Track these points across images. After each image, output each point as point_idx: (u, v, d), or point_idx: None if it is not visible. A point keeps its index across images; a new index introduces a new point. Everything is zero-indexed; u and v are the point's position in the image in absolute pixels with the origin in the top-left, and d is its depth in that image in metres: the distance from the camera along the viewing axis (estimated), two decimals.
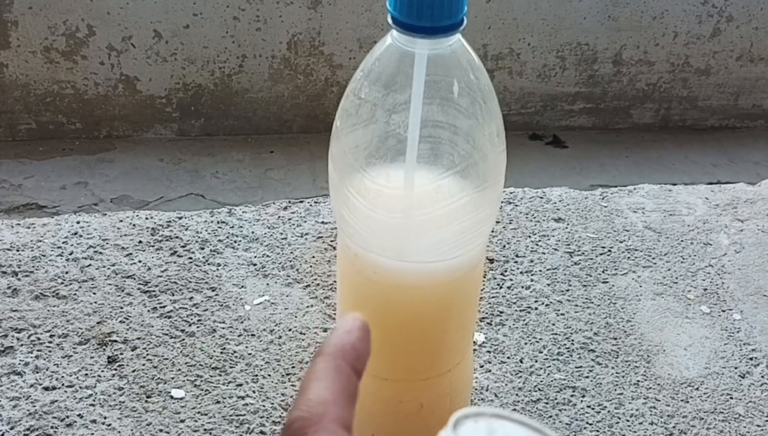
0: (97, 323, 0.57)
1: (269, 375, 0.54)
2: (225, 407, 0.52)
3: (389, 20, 0.32)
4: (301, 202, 0.71)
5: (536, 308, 0.61)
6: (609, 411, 0.54)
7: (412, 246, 0.36)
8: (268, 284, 0.62)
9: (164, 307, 0.59)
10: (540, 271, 0.65)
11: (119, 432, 0.50)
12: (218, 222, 0.68)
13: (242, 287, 0.61)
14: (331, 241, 0.67)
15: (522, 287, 0.63)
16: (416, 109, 0.32)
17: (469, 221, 0.36)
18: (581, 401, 0.54)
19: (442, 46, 0.33)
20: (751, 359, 0.58)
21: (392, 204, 0.35)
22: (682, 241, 0.69)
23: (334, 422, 0.22)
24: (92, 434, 0.50)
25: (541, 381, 0.55)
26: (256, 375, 0.54)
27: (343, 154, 0.35)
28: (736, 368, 0.57)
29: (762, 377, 0.57)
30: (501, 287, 0.63)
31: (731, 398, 0.55)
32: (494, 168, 0.36)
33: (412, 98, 0.32)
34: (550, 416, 0.53)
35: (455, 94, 0.34)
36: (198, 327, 0.58)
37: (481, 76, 0.34)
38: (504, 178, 0.37)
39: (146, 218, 0.67)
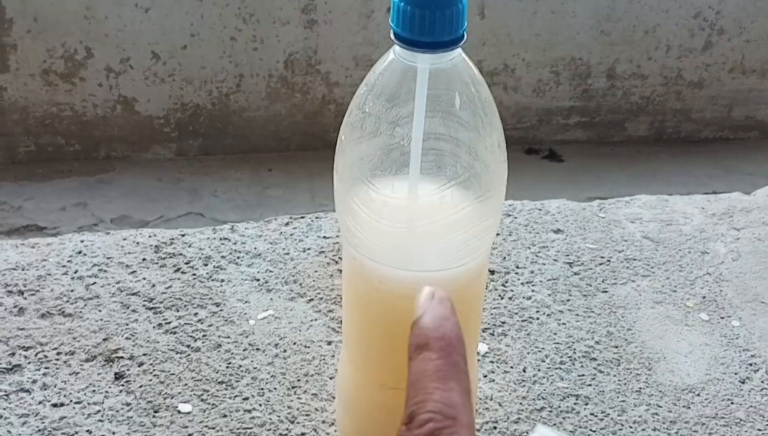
0: (104, 339, 0.58)
1: (275, 388, 0.55)
2: (232, 420, 0.53)
3: (392, 36, 0.34)
4: (302, 217, 0.72)
5: (538, 318, 0.62)
6: (612, 418, 0.54)
7: (417, 255, 0.37)
8: (271, 299, 0.62)
9: (169, 323, 0.60)
10: (541, 281, 0.65)
11: None
12: (221, 239, 0.68)
13: (246, 302, 0.62)
14: (333, 255, 0.67)
15: (523, 298, 0.64)
16: (419, 122, 0.33)
17: (472, 230, 0.37)
18: (584, 408, 0.55)
19: (444, 60, 0.34)
20: (750, 364, 0.59)
21: (397, 214, 0.35)
22: (679, 250, 0.70)
23: (466, 428, 0.22)
24: None
25: (545, 390, 0.56)
26: (262, 389, 0.55)
27: (348, 167, 0.36)
28: (736, 373, 0.58)
29: (762, 381, 0.57)
30: (503, 298, 0.64)
31: (732, 403, 0.56)
32: (496, 178, 0.37)
33: (415, 111, 0.33)
34: (554, 424, 0.53)
35: (457, 107, 0.35)
36: (203, 342, 0.58)
37: (482, 90, 0.35)
38: (505, 188, 0.38)
39: (149, 236, 0.68)
